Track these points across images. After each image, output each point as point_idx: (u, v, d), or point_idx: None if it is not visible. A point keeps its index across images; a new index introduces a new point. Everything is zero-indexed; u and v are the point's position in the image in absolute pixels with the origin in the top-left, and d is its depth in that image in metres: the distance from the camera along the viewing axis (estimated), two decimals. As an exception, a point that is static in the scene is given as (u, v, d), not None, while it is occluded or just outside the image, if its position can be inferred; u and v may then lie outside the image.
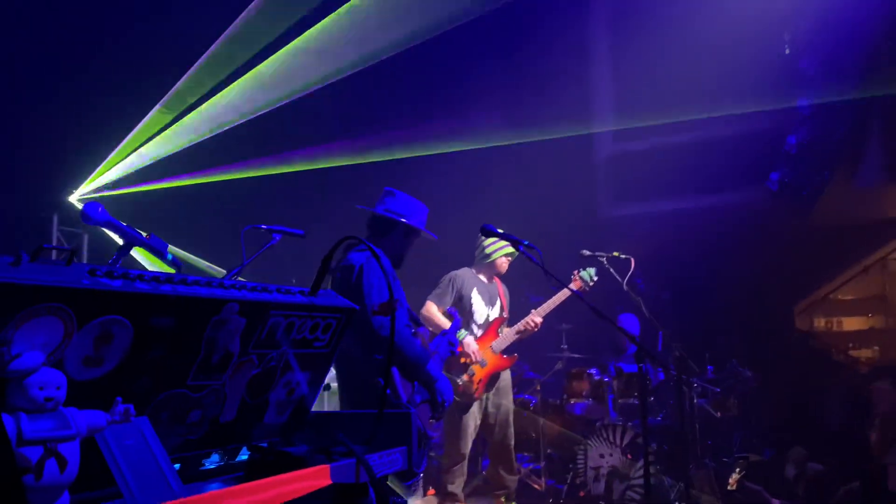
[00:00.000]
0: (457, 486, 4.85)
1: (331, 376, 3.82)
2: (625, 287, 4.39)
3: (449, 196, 6.21)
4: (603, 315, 3.30)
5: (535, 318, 4.95)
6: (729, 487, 5.00)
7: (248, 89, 7.07)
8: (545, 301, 4.99)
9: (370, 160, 7.32)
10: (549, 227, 6.11)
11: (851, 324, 8.38)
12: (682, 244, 7.82)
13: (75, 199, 6.95)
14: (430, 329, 4.30)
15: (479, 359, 4.74)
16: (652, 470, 4.33)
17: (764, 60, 7.72)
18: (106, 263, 1.89)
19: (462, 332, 4.70)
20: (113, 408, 1.31)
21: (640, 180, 8.52)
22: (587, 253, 4.68)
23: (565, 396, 6.15)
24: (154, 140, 7.03)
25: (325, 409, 4.55)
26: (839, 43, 7.34)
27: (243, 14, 6.54)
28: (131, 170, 7.03)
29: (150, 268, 5.30)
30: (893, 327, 8.01)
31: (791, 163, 7.58)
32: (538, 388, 6.12)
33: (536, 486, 5.75)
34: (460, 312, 4.60)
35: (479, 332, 4.89)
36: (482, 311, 4.93)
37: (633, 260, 4.56)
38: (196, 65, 6.69)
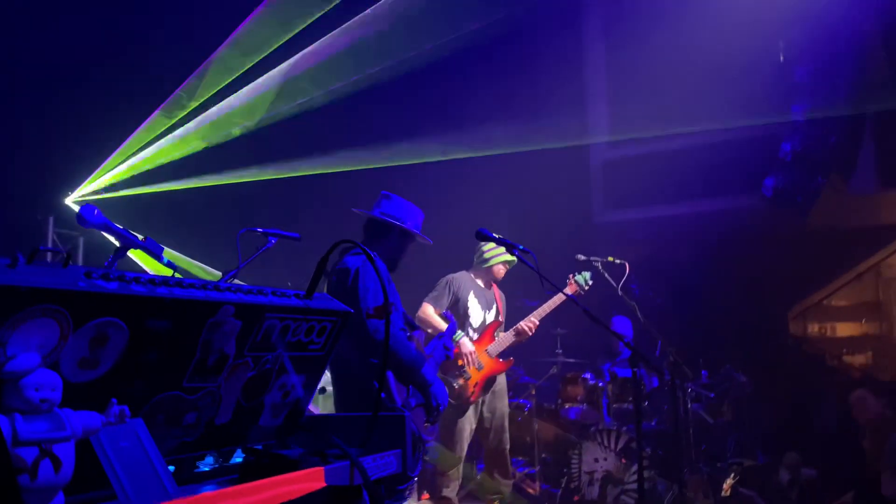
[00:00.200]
0: (451, 491, 4.84)
1: (326, 380, 3.81)
2: (619, 292, 4.42)
3: (446, 201, 6.22)
4: (596, 318, 3.32)
5: (531, 321, 4.96)
6: (723, 493, 5.01)
7: (248, 96, 7.09)
8: (540, 305, 5.00)
9: (367, 166, 7.34)
10: (545, 232, 6.13)
11: (845, 329, 8.39)
12: (676, 250, 7.85)
13: (72, 201, 6.93)
14: (426, 331, 4.30)
15: (475, 361, 4.73)
16: (646, 475, 4.34)
17: (759, 68, 7.77)
18: (102, 266, 1.89)
19: (459, 334, 4.68)
20: (108, 409, 1.31)
21: (635, 186, 8.57)
22: (582, 258, 4.71)
23: (560, 401, 6.16)
24: (152, 145, 7.04)
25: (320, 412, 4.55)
26: (834, 51, 7.39)
27: (245, 22, 6.58)
28: (128, 173, 7.03)
29: (146, 270, 5.29)
30: (887, 333, 8.03)
31: (785, 169, 7.61)
32: (533, 392, 6.12)
33: (531, 491, 5.75)
34: (456, 316, 4.60)
35: (474, 336, 4.89)
36: (478, 314, 4.93)
37: (627, 265, 4.58)
38: (196, 71, 6.72)
